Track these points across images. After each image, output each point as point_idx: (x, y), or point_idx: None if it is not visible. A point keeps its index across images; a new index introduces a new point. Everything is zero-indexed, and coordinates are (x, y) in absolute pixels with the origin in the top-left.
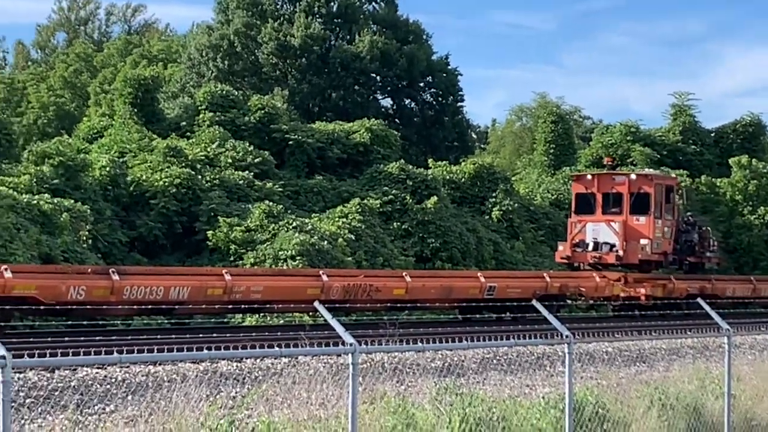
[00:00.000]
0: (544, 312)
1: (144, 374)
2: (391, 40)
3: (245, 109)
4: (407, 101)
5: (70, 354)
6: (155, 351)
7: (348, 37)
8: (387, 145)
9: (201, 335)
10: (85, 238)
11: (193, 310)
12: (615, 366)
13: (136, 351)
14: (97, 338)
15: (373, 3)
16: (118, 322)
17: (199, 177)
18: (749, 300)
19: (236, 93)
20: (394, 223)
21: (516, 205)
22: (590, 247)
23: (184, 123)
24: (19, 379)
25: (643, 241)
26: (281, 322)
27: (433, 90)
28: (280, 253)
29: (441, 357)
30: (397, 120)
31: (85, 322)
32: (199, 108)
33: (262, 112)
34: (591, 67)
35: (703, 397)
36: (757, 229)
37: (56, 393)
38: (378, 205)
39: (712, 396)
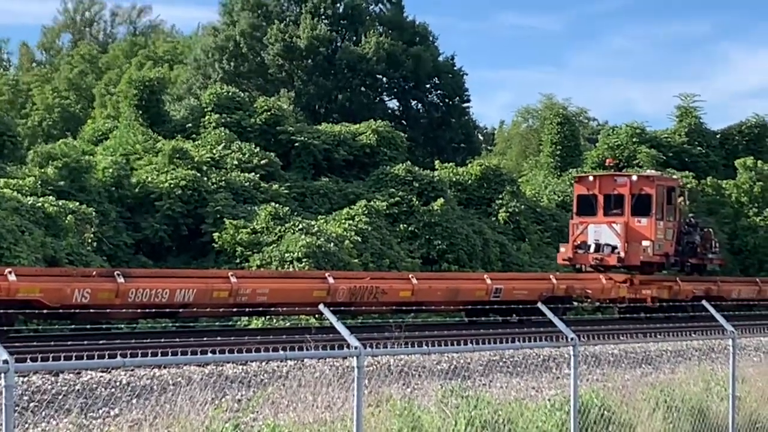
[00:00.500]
0: (549, 315)
1: (149, 377)
2: (398, 42)
3: (251, 111)
4: (413, 102)
5: (74, 357)
6: (160, 354)
7: (354, 38)
8: (393, 146)
9: (206, 338)
10: (90, 240)
11: (199, 312)
12: (620, 368)
13: (140, 354)
14: (102, 341)
15: (380, 4)
16: (123, 325)
17: (205, 179)
18: (755, 302)
19: (242, 94)
20: (401, 225)
21: (522, 206)
22: (592, 249)
23: (189, 125)
24: (23, 382)
25: (644, 243)
26: (287, 324)
27: (439, 91)
28: (287, 255)
29: (447, 359)
30: (403, 121)
31: (89, 326)
32: (205, 109)
33: (268, 113)
34: (597, 69)
35: (708, 399)
36: (762, 230)
37: (60, 397)
38: (384, 207)
39: (717, 398)
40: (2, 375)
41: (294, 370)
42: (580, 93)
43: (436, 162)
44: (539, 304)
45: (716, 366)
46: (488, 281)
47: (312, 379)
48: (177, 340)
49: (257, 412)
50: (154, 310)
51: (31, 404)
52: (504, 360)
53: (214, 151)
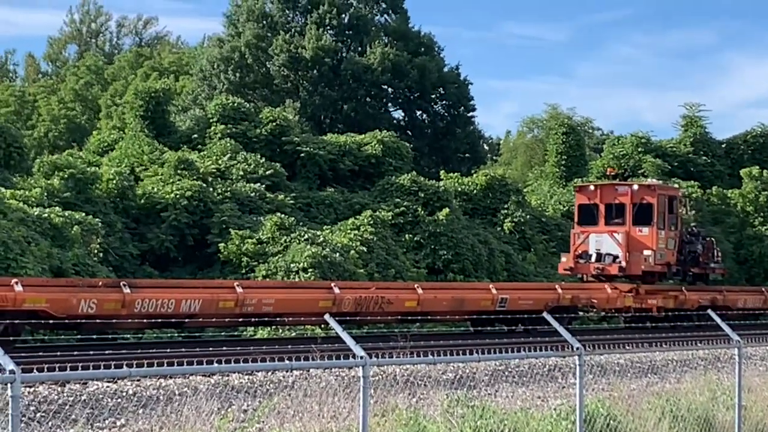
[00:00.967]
0: (555, 324)
1: (155, 387)
2: (403, 52)
3: (257, 122)
4: (419, 113)
5: (81, 368)
6: (166, 364)
7: (359, 48)
8: (399, 156)
9: (212, 348)
10: (96, 251)
11: (205, 323)
12: (626, 378)
13: (146, 364)
14: (108, 352)
15: (385, 15)
16: (129, 335)
17: (211, 189)
18: (761, 311)
19: (248, 105)
20: (406, 235)
21: (528, 216)
22: (593, 259)
23: (195, 135)
24: (29, 393)
25: (646, 252)
26: (293, 334)
27: (444, 101)
28: (292, 265)
29: (453, 369)
30: (408, 132)
31: (95, 336)
32: (211, 120)
33: (274, 124)
34: (602, 78)
35: (714, 409)
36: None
37: (66, 407)
38: (390, 217)
39: (723, 407)
40: (9, 385)
41: (300, 380)
42: (585, 103)
43: (442, 172)
44: (545, 314)
45: (722, 375)
46: (494, 291)
47: (318, 389)
48: (183, 350)
49: (263, 422)
50: (160, 320)
51: (38, 414)
52: (510, 370)
53: (220, 162)
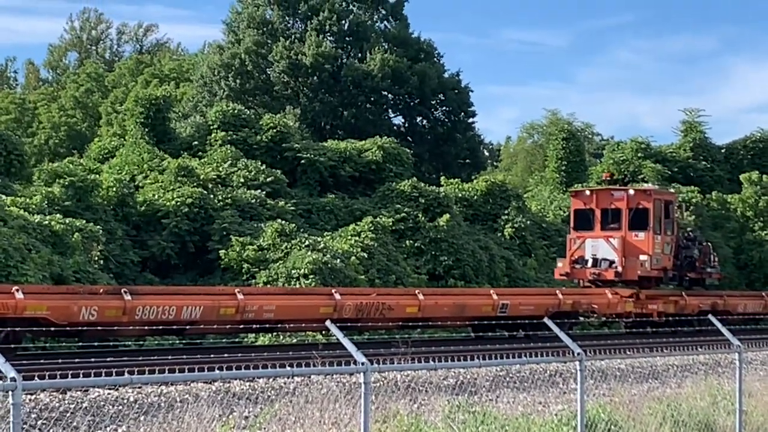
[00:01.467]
0: (556, 330)
1: (156, 395)
2: (403, 58)
3: (257, 128)
4: (419, 119)
5: (82, 375)
6: (167, 371)
7: (359, 55)
8: (399, 162)
9: (213, 355)
10: (96, 258)
11: (206, 329)
12: (627, 383)
13: (148, 371)
14: (109, 359)
15: (385, 21)
16: (130, 342)
17: (211, 196)
18: (761, 316)
19: (248, 112)
20: (407, 241)
21: (528, 222)
22: (589, 264)
23: (195, 142)
24: (30, 400)
25: (642, 257)
26: (294, 341)
27: (444, 107)
28: (293, 271)
29: (454, 375)
30: (408, 138)
31: (96, 343)
32: (211, 127)
33: (274, 130)
34: (602, 84)
35: (715, 414)
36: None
37: (68, 414)
38: (390, 223)
39: (724, 412)
40: (10, 393)
41: (301, 387)
42: (586, 108)
43: (442, 178)
44: (546, 320)
45: (723, 380)
46: (495, 297)
47: (319, 395)
48: (184, 357)
49: (265, 428)
50: (161, 327)
51: (39, 422)
52: (511, 375)
53: (221, 169)
